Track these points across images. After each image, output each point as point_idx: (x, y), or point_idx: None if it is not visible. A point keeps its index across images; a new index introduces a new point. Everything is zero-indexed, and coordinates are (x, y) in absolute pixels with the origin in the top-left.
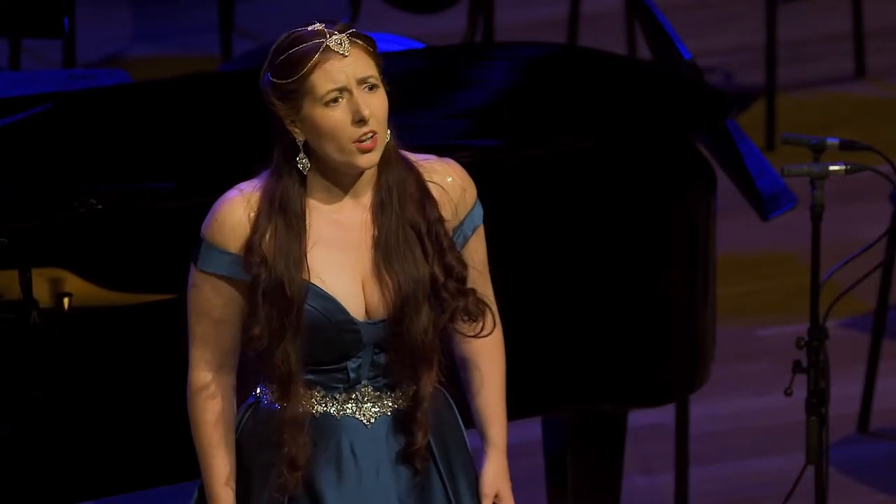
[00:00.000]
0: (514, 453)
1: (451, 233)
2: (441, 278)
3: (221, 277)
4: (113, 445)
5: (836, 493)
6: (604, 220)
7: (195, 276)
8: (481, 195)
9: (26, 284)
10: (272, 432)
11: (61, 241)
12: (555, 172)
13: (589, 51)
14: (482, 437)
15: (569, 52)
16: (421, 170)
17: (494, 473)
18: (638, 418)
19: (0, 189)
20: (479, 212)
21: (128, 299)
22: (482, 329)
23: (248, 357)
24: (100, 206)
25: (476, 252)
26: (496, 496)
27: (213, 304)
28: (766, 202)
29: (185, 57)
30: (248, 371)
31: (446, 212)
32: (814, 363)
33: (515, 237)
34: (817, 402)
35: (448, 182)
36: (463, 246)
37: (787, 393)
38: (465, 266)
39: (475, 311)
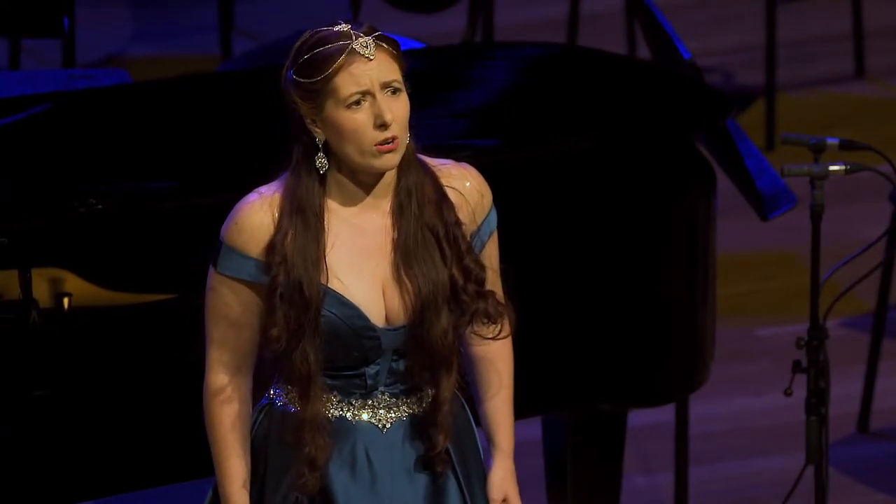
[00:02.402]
0: (514, 453)
1: (468, 236)
2: (460, 281)
3: (240, 281)
4: (113, 445)
5: (836, 493)
6: (604, 220)
7: (214, 279)
8: None
9: (26, 284)
10: (288, 433)
11: (61, 241)
12: (555, 172)
13: (589, 51)
14: (490, 441)
15: (569, 52)
16: (439, 174)
17: (502, 478)
18: (638, 418)
19: (0, 189)
20: (495, 217)
21: (128, 299)
22: (500, 331)
23: (262, 359)
24: (100, 206)
25: (491, 257)
26: (504, 501)
27: (231, 307)
28: (766, 202)
29: (185, 57)
30: (261, 373)
31: (464, 216)
32: (814, 363)
33: (515, 237)
34: (817, 402)
35: (466, 187)
36: (480, 251)
37: (787, 393)
38: (483, 268)
39: (494, 313)
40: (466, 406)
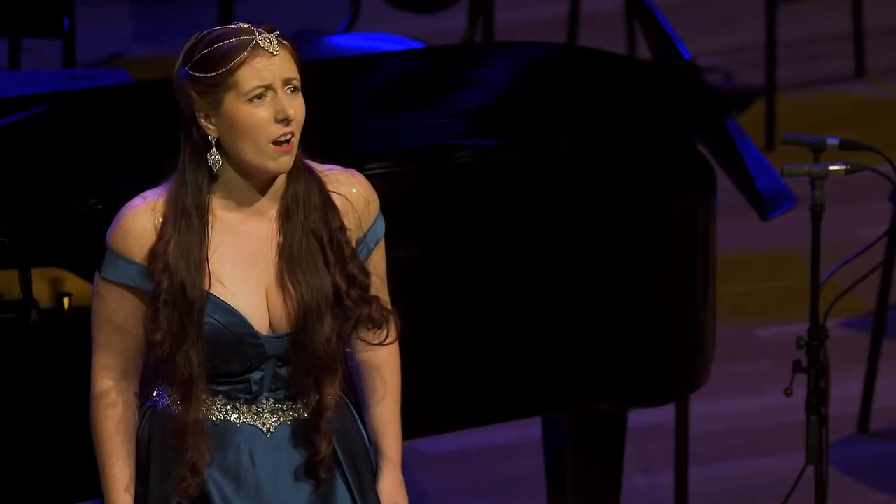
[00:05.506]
0: (514, 453)
1: (354, 243)
2: (344, 286)
3: (124, 286)
4: None
5: (836, 493)
6: (604, 219)
7: (99, 284)
8: (482, 195)
9: (26, 284)
10: (170, 436)
11: (61, 241)
12: (554, 172)
13: (589, 51)
14: (377, 450)
15: (569, 52)
16: (326, 180)
17: (390, 488)
18: (638, 418)
19: (0, 189)
20: (382, 224)
21: None
22: (387, 336)
23: (147, 362)
24: (100, 206)
25: (378, 265)
26: None
27: (115, 312)
28: (766, 202)
29: None
30: (146, 375)
31: (350, 222)
32: (814, 363)
33: (514, 237)
34: (817, 402)
35: (353, 193)
36: (366, 258)
37: (787, 393)
38: (367, 274)
39: (379, 319)
40: (354, 411)
